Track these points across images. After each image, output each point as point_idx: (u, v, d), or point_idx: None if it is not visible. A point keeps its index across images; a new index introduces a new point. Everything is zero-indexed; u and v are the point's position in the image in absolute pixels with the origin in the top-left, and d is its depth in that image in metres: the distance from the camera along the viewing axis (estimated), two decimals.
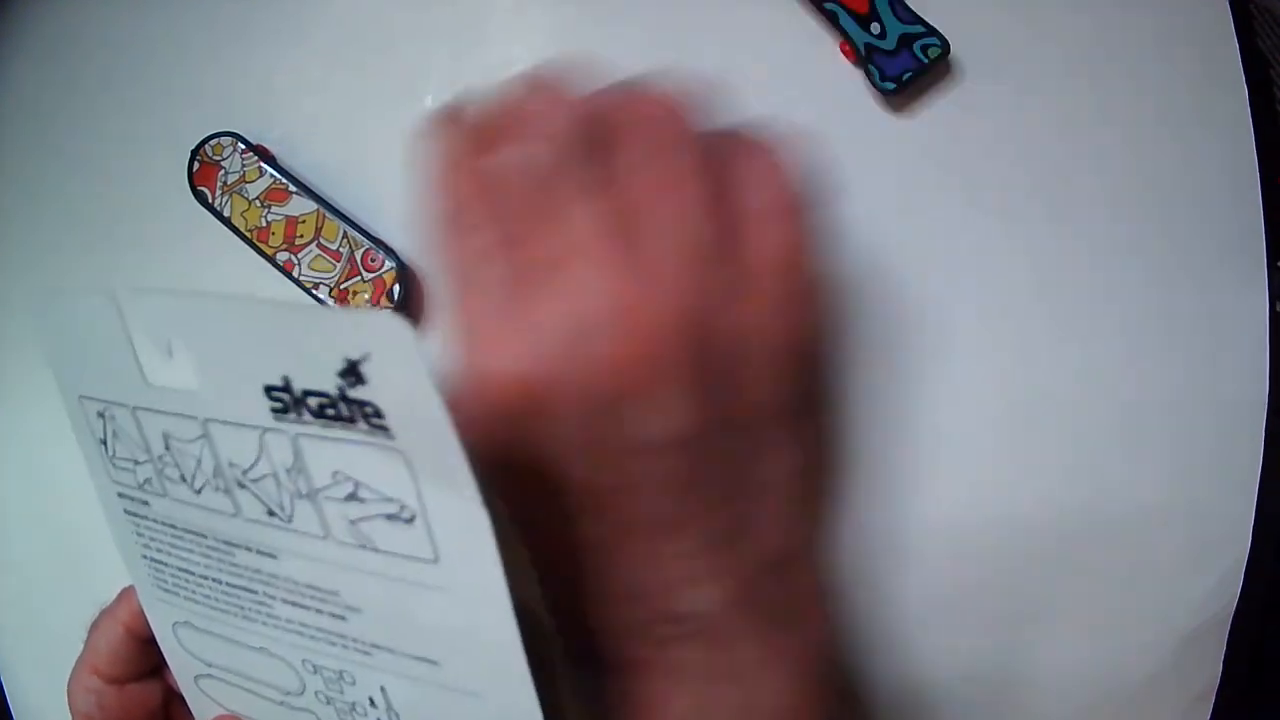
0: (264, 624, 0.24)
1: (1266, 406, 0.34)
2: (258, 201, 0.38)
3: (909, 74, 0.34)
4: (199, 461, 0.22)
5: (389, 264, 0.36)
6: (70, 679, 0.29)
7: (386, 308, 0.33)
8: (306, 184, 0.38)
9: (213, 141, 0.39)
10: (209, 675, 0.27)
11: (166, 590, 0.25)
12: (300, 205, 0.37)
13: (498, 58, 0.38)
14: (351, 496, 0.20)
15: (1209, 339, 0.34)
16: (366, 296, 0.36)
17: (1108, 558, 0.34)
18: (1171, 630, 0.34)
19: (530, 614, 0.20)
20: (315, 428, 0.19)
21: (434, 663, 0.22)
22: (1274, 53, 0.36)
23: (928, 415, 0.35)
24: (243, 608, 0.24)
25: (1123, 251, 0.34)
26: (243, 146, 0.39)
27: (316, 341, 0.18)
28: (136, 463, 0.23)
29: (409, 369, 0.17)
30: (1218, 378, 0.34)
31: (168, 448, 0.22)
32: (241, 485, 0.21)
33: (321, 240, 0.37)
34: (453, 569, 0.20)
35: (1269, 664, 0.34)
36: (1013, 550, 0.34)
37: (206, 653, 0.26)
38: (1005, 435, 0.34)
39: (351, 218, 0.37)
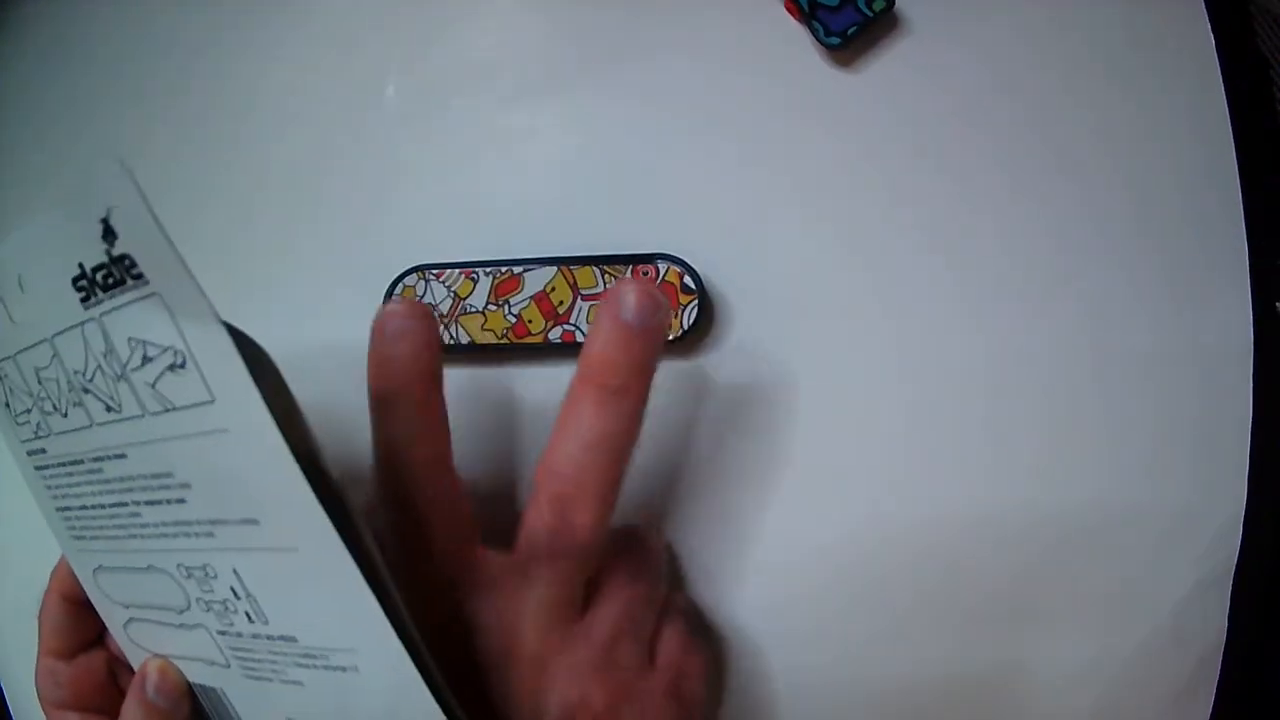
0: (141, 537, 0.27)
1: (1252, 402, 0.34)
2: (492, 307, 0.36)
3: (854, 28, 0.35)
4: (59, 383, 0.26)
5: (661, 265, 0.35)
6: (35, 673, 0.32)
7: (690, 302, 0.34)
8: (521, 256, 0.36)
9: (400, 288, 0.37)
10: (132, 619, 0.30)
11: (78, 537, 0.29)
12: (538, 278, 0.35)
13: (460, 46, 0.40)
14: (145, 359, 0.24)
15: (1192, 312, 0.34)
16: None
17: (1103, 548, 0.34)
18: (1169, 604, 0.34)
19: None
20: (109, 302, 0.23)
21: (255, 522, 0.24)
22: (1274, 53, 0.37)
23: (907, 406, 0.35)
24: (124, 526, 0.27)
25: (1093, 221, 0.35)
26: (434, 272, 0.37)
27: (80, 216, 0.22)
28: (28, 411, 0.28)
29: (137, 209, 0.21)
30: (1206, 373, 0.34)
31: (40, 381, 0.27)
32: (86, 390, 0.25)
33: (583, 292, 0.35)
34: (226, 405, 0.23)
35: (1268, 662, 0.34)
36: (1010, 545, 0.35)
37: (120, 592, 0.29)
38: (999, 430, 0.35)
39: (585, 254, 0.35)
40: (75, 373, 0.25)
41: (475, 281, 0.36)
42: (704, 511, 0.37)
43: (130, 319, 0.23)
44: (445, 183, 0.39)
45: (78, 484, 0.28)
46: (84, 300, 0.24)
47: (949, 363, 0.35)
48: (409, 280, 0.37)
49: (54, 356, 0.26)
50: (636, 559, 0.32)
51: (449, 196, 0.39)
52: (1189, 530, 0.34)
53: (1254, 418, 0.33)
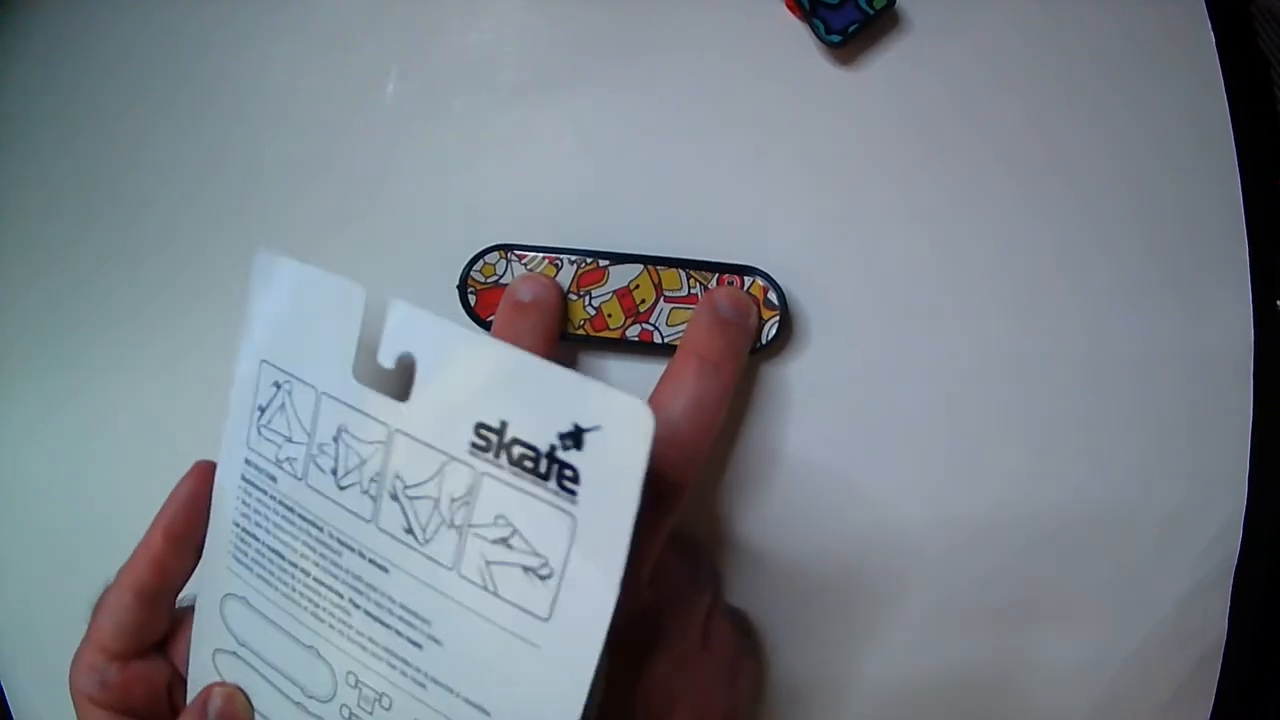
0: (331, 627, 0.25)
1: (1251, 402, 0.34)
2: (573, 296, 0.35)
3: (855, 25, 0.35)
4: (363, 462, 0.24)
5: (748, 279, 0.34)
6: (73, 661, 0.29)
7: (773, 317, 0.34)
8: (607, 250, 0.35)
9: (479, 264, 0.35)
10: (233, 653, 0.28)
11: (240, 562, 0.27)
12: (623, 274, 0.35)
13: (460, 44, 0.38)
14: (503, 540, 0.22)
15: (1191, 311, 0.34)
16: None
17: (1103, 548, 0.35)
18: (1169, 604, 0.35)
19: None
20: (505, 473, 0.22)
21: (486, 713, 0.23)
22: (1274, 53, 0.37)
23: (905, 406, 0.35)
24: (318, 604, 0.26)
25: (1094, 220, 0.35)
26: (517, 253, 0.35)
27: (555, 400, 0.21)
28: (289, 440, 0.26)
29: (632, 453, 0.20)
30: (1201, 373, 0.35)
31: (336, 439, 0.25)
32: (395, 497, 0.24)
33: (667, 293, 0.34)
34: (559, 633, 0.22)
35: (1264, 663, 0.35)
36: (1010, 544, 0.35)
37: (246, 632, 0.27)
38: (998, 430, 0.35)
39: (674, 255, 0.35)
40: (396, 476, 0.24)
41: (559, 268, 0.35)
42: (705, 512, 0.36)
43: (514, 503, 0.22)
44: (444, 181, 0.38)
45: (288, 534, 0.26)
46: (476, 448, 0.22)
47: (947, 362, 0.35)
48: (490, 258, 0.35)
49: (381, 445, 0.24)
50: (684, 552, 0.32)
51: (447, 196, 0.38)
52: (1189, 530, 0.34)
53: (1254, 418, 0.34)
